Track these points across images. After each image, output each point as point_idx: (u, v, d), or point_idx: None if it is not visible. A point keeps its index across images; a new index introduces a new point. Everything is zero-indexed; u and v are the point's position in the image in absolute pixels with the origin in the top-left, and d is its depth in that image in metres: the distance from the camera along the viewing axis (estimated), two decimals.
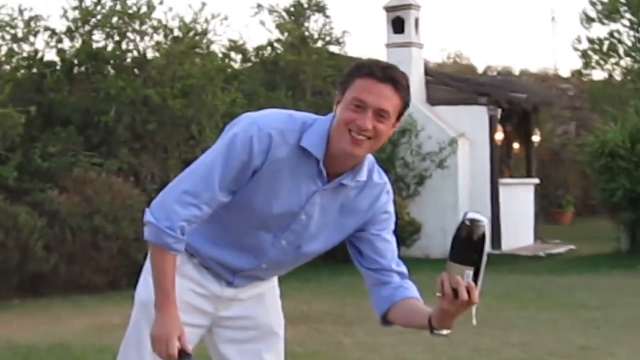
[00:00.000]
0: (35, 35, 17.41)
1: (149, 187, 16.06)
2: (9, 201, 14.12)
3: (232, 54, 19.86)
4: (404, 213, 17.05)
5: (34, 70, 17.45)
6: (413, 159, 19.36)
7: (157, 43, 17.67)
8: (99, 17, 17.41)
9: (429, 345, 9.43)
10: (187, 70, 17.06)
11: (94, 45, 17.57)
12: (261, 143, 3.43)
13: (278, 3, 20.18)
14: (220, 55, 19.07)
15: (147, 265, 3.75)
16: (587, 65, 31.47)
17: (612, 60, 30.83)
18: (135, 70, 17.51)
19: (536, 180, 23.04)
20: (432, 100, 19.76)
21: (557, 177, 29.62)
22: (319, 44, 19.81)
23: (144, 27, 17.56)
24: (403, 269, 3.71)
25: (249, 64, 20.07)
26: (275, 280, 3.98)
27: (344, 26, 35.86)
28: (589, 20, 30.71)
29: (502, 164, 21.86)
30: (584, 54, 31.16)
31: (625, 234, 19.53)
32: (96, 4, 17.42)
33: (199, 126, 16.88)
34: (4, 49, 17.20)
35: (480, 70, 39.30)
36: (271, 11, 20.00)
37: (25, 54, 17.49)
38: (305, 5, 19.87)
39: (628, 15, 29.97)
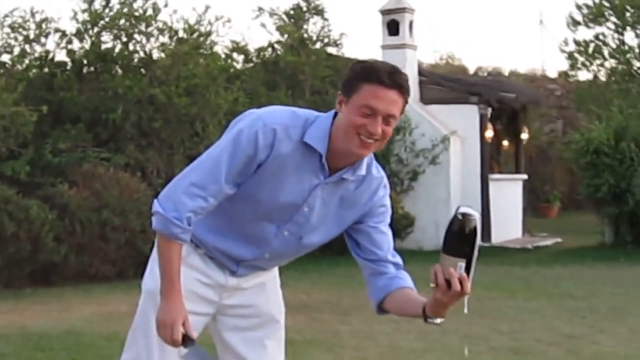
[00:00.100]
0: (46, 36, 17.40)
1: (155, 181, 16.06)
2: (22, 195, 14.13)
3: (235, 55, 19.86)
4: (398, 207, 17.07)
5: (45, 70, 17.44)
6: (407, 155, 19.36)
7: (163, 44, 17.66)
8: (107, 19, 17.40)
9: (422, 333, 9.43)
10: (192, 70, 17.05)
11: (103, 46, 17.56)
12: (266, 138, 3.43)
13: (278, 6, 20.21)
14: (223, 55, 19.06)
15: (154, 255, 3.76)
16: (573, 66, 31.47)
17: (597, 61, 30.83)
18: (142, 70, 17.50)
19: (524, 176, 23.05)
20: (426, 99, 19.76)
21: (544, 173, 29.65)
22: (318, 45, 19.80)
23: (150, 29, 17.56)
24: (398, 259, 3.73)
25: (251, 65, 20.06)
26: (276, 270, 3.99)
27: (342, 28, 35.90)
28: (575, 23, 30.70)
29: (492, 161, 21.87)
30: (571, 56, 31.15)
31: (609, 227, 19.55)
32: (104, 7, 17.41)
33: (203, 123, 16.88)
34: (17, 50, 17.20)
35: (471, 70, 39.30)
36: (272, 14, 20.00)
37: (36, 55, 17.49)
38: (305, 9, 19.85)
39: (613, 18, 29.98)
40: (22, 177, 14.83)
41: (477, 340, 9.16)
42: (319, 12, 19.89)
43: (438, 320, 3.39)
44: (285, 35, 19.71)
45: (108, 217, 14.37)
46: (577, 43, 30.79)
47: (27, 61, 17.39)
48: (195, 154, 15.48)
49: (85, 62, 17.61)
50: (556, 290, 13.25)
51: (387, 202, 3.75)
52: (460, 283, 3.10)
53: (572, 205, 29.02)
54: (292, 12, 19.86)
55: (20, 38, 17.12)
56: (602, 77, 31.18)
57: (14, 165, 14.91)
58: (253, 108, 3.68)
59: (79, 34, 17.52)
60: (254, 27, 24.88)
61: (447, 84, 21.15)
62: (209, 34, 17.88)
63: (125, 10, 17.35)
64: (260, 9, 20.03)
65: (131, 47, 17.67)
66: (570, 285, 13.79)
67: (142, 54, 17.78)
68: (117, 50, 17.57)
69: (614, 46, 30.31)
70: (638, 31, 29.91)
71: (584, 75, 31.83)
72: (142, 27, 17.50)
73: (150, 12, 17.42)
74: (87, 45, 17.54)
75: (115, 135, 16.68)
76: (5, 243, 13.69)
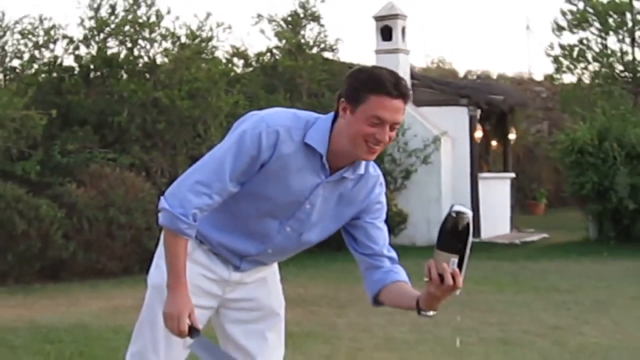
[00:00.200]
0: (54, 42, 17.41)
1: (159, 181, 16.07)
2: (32, 194, 14.13)
3: (235, 60, 19.85)
4: (391, 205, 17.05)
5: (54, 74, 17.43)
6: (400, 155, 19.36)
7: (166, 49, 17.66)
8: (112, 26, 17.42)
9: (415, 325, 9.44)
10: (194, 74, 17.05)
11: (108, 52, 17.58)
12: (269, 139, 3.44)
13: (277, 13, 20.13)
14: (223, 60, 19.05)
15: (159, 251, 3.78)
16: (558, 69, 31.50)
17: (581, 65, 30.86)
18: (146, 75, 17.49)
19: (512, 175, 23.07)
20: (418, 101, 19.74)
21: (531, 172, 29.66)
22: (314, 50, 19.79)
23: (153, 35, 17.55)
24: (393, 254, 3.74)
25: (250, 69, 20.05)
26: (275, 265, 4.00)
27: (337, 34, 35.83)
28: (560, 28, 30.74)
29: (481, 160, 21.88)
30: (556, 60, 31.19)
31: (593, 224, 19.56)
32: (110, 14, 17.43)
33: (205, 125, 16.87)
34: (27, 55, 17.21)
35: (461, 74, 39.35)
36: (270, 20, 19.97)
37: (45, 60, 17.49)
38: (302, 15, 19.84)
39: (596, 24, 30.02)
40: (32, 177, 14.83)
41: (467, 331, 9.17)
42: (315, 18, 19.88)
43: (431, 313, 3.40)
44: (283, 41, 19.70)
45: (114, 215, 14.37)
46: (562, 47, 30.84)
47: (36, 66, 17.41)
48: (197, 155, 15.55)
49: (92, 67, 17.62)
50: (543, 283, 13.26)
51: (383, 199, 3.77)
52: (453, 278, 3.12)
53: (557, 202, 29.04)
54: (289, 18, 19.85)
55: (30, 44, 17.13)
56: (586, 79, 31.21)
57: (24, 165, 14.92)
58: (253, 110, 3.68)
59: (86, 40, 17.53)
60: (254, 33, 24.97)
61: (438, 86, 21.17)
62: (210, 39, 17.88)
63: (130, 17, 17.36)
64: (259, 15, 20.03)
65: (136, 52, 17.67)
66: (556, 279, 13.80)
67: (146, 59, 17.79)
68: (122, 55, 17.58)
69: (597, 50, 30.35)
70: (620, 36, 29.95)
71: (568, 78, 31.88)
72: (146, 34, 17.50)
73: (153, 19, 17.44)
74: (93, 51, 17.56)
75: (121, 136, 16.68)
76: (16, 240, 13.70)
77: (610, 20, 29.72)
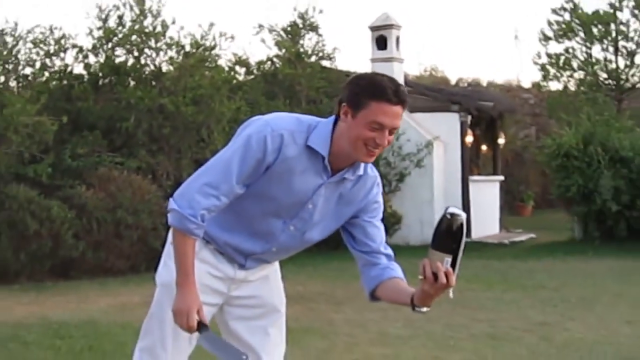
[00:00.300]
0: (65, 51, 17.40)
1: (165, 183, 16.08)
2: (43, 196, 14.15)
3: (237, 68, 19.84)
4: (386, 206, 16.84)
5: (64, 82, 17.41)
6: (394, 159, 19.36)
7: (171, 58, 17.65)
8: (120, 35, 17.42)
9: (408, 321, 9.45)
10: (197, 81, 17.05)
11: (116, 60, 17.58)
12: (274, 142, 3.45)
13: (277, 23, 20.10)
14: (226, 68, 19.05)
15: (167, 250, 3.78)
16: (545, 77, 31.52)
17: (567, 73, 30.89)
18: (152, 82, 17.48)
19: (501, 178, 23.06)
20: (411, 108, 19.70)
21: (519, 175, 29.64)
22: (313, 59, 19.78)
23: (159, 44, 17.55)
24: (390, 251, 3.76)
25: (252, 76, 20.04)
26: (277, 264, 4.00)
27: (335, 43, 35.72)
28: (547, 38, 30.77)
29: (471, 164, 21.87)
30: (543, 68, 31.21)
31: (578, 224, 19.57)
32: (118, 25, 17.43)
33: (208, 130, 16.87)
34: (38, 64, 17.20)
35: (453, 81, 39.32)
36: (271, 30, 19.97)
37: (56, 68, 17.48)
38: (301, 25, 19.83)
39: (581, 34, 30.05)
40: (44, 179, 14.82)
41: (458, 328, 9.18)
42: (313, 28, 19.88)
43: (424, 309, 3.41)
44: (283, 50, 19.70)
45: (122, 216, 14.38)
46: (548, 56, 30.86)
47: (47, 74, 17.40)
48: (201, 158, 15.59)
49: (100, 74, 17.62)
50: (530, 282, 13.27)
51: (380, 199, 3.79)
52: (446, 277, 3.14)
53: (544, 204, 29.03)
54: (289, 28, 19.84)
55: (42, 53, 17.11)
56: (572, 87, 31.23)
57: (36, 168, 14.91)
58: (254, 116, 3.69)
59: (95, 49, 17.53)
60: (255, 42, 24.95)
61: (430, 93, 21.18)
62: (213, 48, 17.88)
63: (136, 27, 17.36)
64: (260, 25, 20.04)
65: (142, 60, 17.67)
66: (543, 277, 13.81)
67: (152, 67, 17.78)
68: (129, 63, 17.58)
69: (582, 59, 30.38)
70: (604, 45, 29.98)
71: (555, 86, 31.90)
72: (152, 43, 17.50)
73: (159, 29, 17.43)
74: (102, 59, 17.56)
75: (128, 141, 16.67)
76: (28, 240, 13.71)
77: (595, 30, 29.75)
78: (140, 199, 14.73)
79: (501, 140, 23.73)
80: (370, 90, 3.39)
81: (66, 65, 17.52)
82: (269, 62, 20.02)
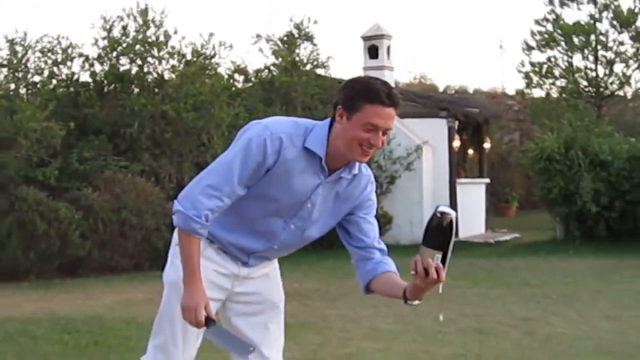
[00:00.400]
0: (71, 60, 17.40)
1: (167, 186, 16.09)
2: (52, 197, 14.16)
3: (236, 75, 19.84)
4: (377, 207, 16.94)
5: (71, 89, 17.42)
6: (385, 162, 19.37)
7: (173, 66, 17.66)
8: (124, 45, 17.42)
9: (398, 317, 9.45)
10: (198, 88, 17.05)
11: (121, 69, 17.58)
12: (273, 145, 3.45)
13: (274, 33, 20.14)
14: (225, 76, 19.06)
15: (173, 250, 3.78)
16: (529, 85, 31.63)
17: (550, 81, 31.00)
18: (155, 89, 17.48)
19: (487, 180, 23.08)
20: (401, 114, 19.68)
21: (504, 178, 29.68)
22: (308, 67, 19.79)
23: (161, 53, 17.56)
24: (383, 246, 3.76)
25: (250, 84, 20.04)
26: (276, 262, 4.00)
27: (329, 53, 35.72)
28: (530, 48, 30.87)
29: (459, 167, 21.88)
30: (526, 76, 31.31)
31: (560, 225, 19.58)
32: (122, 35, 17.43)
33: (208, 135, 16.87)
34: (46, 72, 17.20)
35: (441, 89, 39.38)
36: (268, 40, 19.98)
37: (63, 76, 17.48)
38: (296, 36, 19.84)
39: (563, 44, 30.11)
40: (52, 182, 14.82)
41: (446, 322, 9.18)
42: (309, 38, 19.89)
43: (416, 302, 3.43)
44: (280, 59, 19.71)
45: (126, 217, 14.38)
46: (532, 65, 30.97)
47: (55, 82, 17.39)
48: (202, 162, 15.61)
49: (105, 82, 17.62)
50: (515, 279, 13.27)
51: (374, 196, 3.80)
52: (437, 272, 3.15)
53: (528, 205, 29.07)
54: (285, 38, 19.85)
55: (49, 61, 17.11)
56: (554, 94, 31.34)
57: (44, 171, 14.91)
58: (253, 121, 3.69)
59: (100, 58, 17.54)
60: (253, 51, 24.97)
61: (420, 100, 21.19)
62: (213, 57, 17.89)
63: (140, 37, 17.36)
64: (258, 35, 20.05)
65: (145, 69, 17.67)
66: (526, 274, 13.81)
67: (155, 75, 17.78)
68: (133, 72, 17.59)
69: (564, 67, 30.49)
70: (585, 54, 30.06)
71: (538, 93, 32.02)
72: (155, 52, 17.51)
73: (162, 38, 17.45)
74: (107, 67, 17.55)
75: (133, 145, 16.67)
76: (37, 240, 13.71)
77: (576, 40, 29.83)
78: (144, 201, 14.73)
79: (487, 145, 23.75)
80: (365, 93, 3.40)
81: (73, 74, 17.53)
82: (267, 70, 20.03)
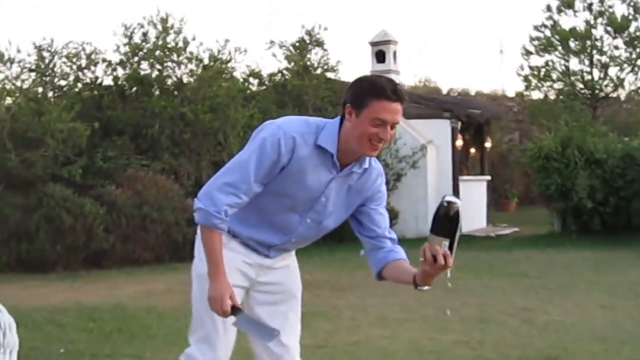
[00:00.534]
0: (95, 65, 17.43)
1: (186, 183, 16.11)
2: (77, 194, 14.21)
3: (250, 79, 19.85)
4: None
5: (95, 92, 17.45)
6: (392, 160, 19.35)
7: (191, 70, 17.68)
8: (144, 50, 17.45)
9: (404, 306, 9.47)
10: (215, 91, 17.06)
11: (142, 73, 17.60)
12: (287, 145, 3.45)
13: (286, 39, 20.16)
14: (240, 79, 19.06)
15: (199, 245, 3.76)
16: (527, 87, 31.61)
17: (547, 84, 30.97)
18: (174, 92, 17.51)
19: (488, 178, 23.06)
20: (407, 115, 19.66)
21: (504, 175, 29.63)
22: (319, 71, 19.78)
23: (180, 58, 17.57)
24: (394, 236, 3.77)
25: (264, 87, 20.05)
26: (294, 254, 4.00)
27: (338, 57, 35.72)
28: (528, 53, 30.86)
29: (461, 165, 21.87)
30: (526, 79, 31.29)
31: (557, 219, 19.54)
32: (142, 41, 17.46)
33: (225, 135, 16.88)
34: (72, 76, 17.24)
35: (444, 91, 39.35)
36: (281, 46, 19.97)
37: (88, 80, 17.51)
38: (308, 41, 19.83)
39: (560, 48, 30.07)
40: (78, 179, 14.87)
41: (450, 311, 9.18)
42: (319, 44, 19.89)
43: (425, 288, 3.42)
44: (292, 63, 19.70)
45: (148, 212, 14.41)
46: (530, 68, 30.95)
47: (80, 85, 17.43)
48: (218, 160, 15.63)
49: (127, 86, 17.66)
50: (514, 270, 13.26)
51: (384, 188, 3.80)
52: (444, 258, 3.15)
53: (527, 201, 29.00)
54: (297, 44, 19.85)
55: (74, 67, 17.15)
56: (552, 96, 31.32)
57: (70, 170, 14.95)
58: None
59: (122, 63, 17.56)
60: (267, 56, 24.97)
61: (424, 102, 21.16)
62: (229, 61, 17.90)
63: (160, 43, 17.39)
64: (271, 41, 20.04)
65: (165, 73, 17.70)
66: (526, 266, 13.80)
67: (174, 78, 17.80)
68: (153, 75, 17.61)
69: (561, 71, 30.45)
70: (581, 58, 30.03)
71: (536, 95, 32.01)
72: (174, 57, 17.52)
73: (181, 44, 17.46)
74: (128, 71, 17.58)
75: (153, 145, 16.70)
76: (64, 234, 13.76)
77: (572, 45, 29.80)
78: (164, 197, 14.76)
79: (488, 144, 23.73)
80: (371, 90, 3.40)
81: (97, 78, 17.56)
82: (279, 74, 20.03)
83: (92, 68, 17.42)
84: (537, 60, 31.00)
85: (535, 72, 30.88)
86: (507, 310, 9.36)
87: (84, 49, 17.12)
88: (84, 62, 17.20)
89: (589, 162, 18.61)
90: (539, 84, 31.13)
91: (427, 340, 7.70)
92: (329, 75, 20.00)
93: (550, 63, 30.54)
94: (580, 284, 11.56)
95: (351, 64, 59.24)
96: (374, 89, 3.40)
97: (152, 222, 14.42)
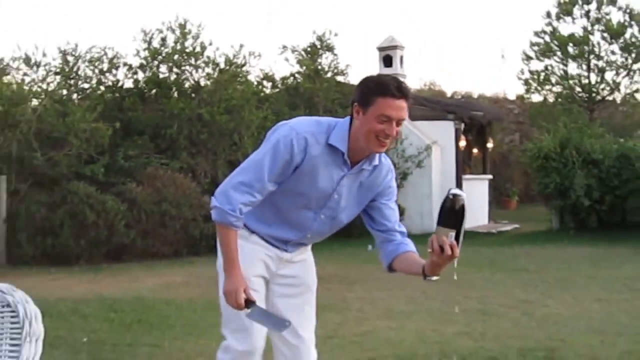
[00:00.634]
0: (116, 68, 17.50)
1: (203, 181, 16.13)
2: (100, 191, 14.23)
3: (264, 82, 19.85)
4: None
5: (116, 95, 17.51)
6: (398, 160, 19.33)
7: (208, 74, 17.71)
8: (163, 54, 17.48)
9: (410, 298, 9.46)
10: (230, 94, 17.08)
11: (161, 76, 17.64)
12: (299, 145, 3.44)
13: (298, 44, 20.12)
14: (255, 82, 19.07)
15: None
16: (528, 91, 31.60)
17: (547, 87, 30.96)
18: (192, 95, 17.54)
19: (490, 177, 23.02)
20: (413, 116, 19.71)
21: (505, 174, 29.56)
22: (329, 75, 19.77)
23: (197, 62, 17.61)
24: (403, 229, 3.74)
25: (277, 90, 20.05)
26: (310, 249, 3.98)
27: (347, 61, 35.67)
28: (528, 58, 30.84)
29: (464, 164, 21.84)
30: (526, 82, 31.28)
31: (555, 216, 19.50)
32: (161, 45, 17.49)
33: (239, 135, 16.90)
34: (95, 80, 17.29)
35: (448, 94, 39.28)
36: (293, 50, 19.97)
37: (109, 83, 17.56)
38: (319, 46, 19.82)
39: (559, 53, 30.05)
40: (100, 177, 14.91)
41: (453, 303, 9.17)
42: (330, 49, 19.88)
43: (434, 278, 3.40)
44: (304, 67, 19.71)
45: (166, 209, 14.43)
46: (530, 72, 30.94)
47: (102, 88, 17.48)
48: (234, 160, 15.64)
49: (147, 88, 17.69)
50: (514, 265, 13.24)
51: (394, 183, 3.76)
52: (451, 248, 3.13)
53: (527, 199, 28.94)
54: (309, 49, 19.85)
55: (97, 70, 17.19)
56: (550, 99, 31.29)
57: (93, 168, 15.00)
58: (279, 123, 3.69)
59: (142, 67, 17.61)
60: (279, 60, 24.93)
61: (429, 104, 21.14)
62: (243, 65, 17.92)
63: (178, 47, 17.42)
64: (284, 46, 20.04)
65: (183, 76, 17.73)
66: (525, 261, 13.78)
67: (192, 81, 17.83)
68: (172, 78, 17.64)
69: (559, 75, 30.41)
70: (578, 63, 29.99)
71: (536, 98, 31.99)
72: (192, 61, 17.56)
73: (198, 49, 17.48)
74: (148, 75, 17.62)
75: (172, 145, 16.73)
76: (87, 229, 13.79)
77: (571, 50, 29.77)
78: (182, 194, 14.78)
79: (490, 145, 23.69)
80: (376, 88, 3.39)
81: (118, 81, 17.63)
82: (292, 78, 20.03)
83: (114, 71, 17.52)
84: (536, 65, 31.01)
85: (535, 76, 30.87)
86: (508, 303, 9.34)
87: (106, 54, 17.19)
88: (105, 66, 17.27)
89: (586, 162, 18.58)
90: (539, 88, 31.11)
91: (432, 332, 7.69)
92: (339, 78, 20.00)
93: (549, 67, 30.53)
94: (578, 278, 11.54)
95: (360, 68, 59.18)
96: (379, 87, 3.39)
97: (171, 218, 14.45)
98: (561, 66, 30.39)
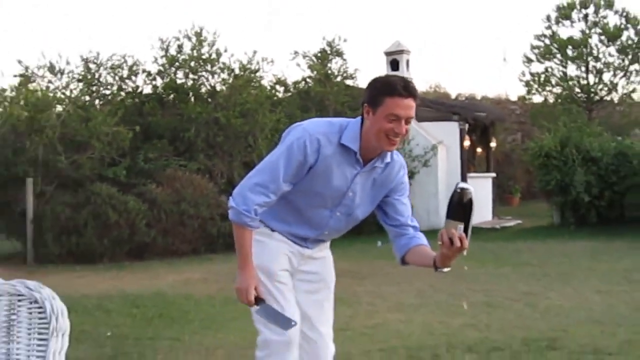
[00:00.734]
0: (136, 75, 17.54)
1: (219, 181, 16.15)
2: (122, 192, 14.27)
3: (277, 86, 19.87)
4: None
5: (136, 100, 17.55)
6: (406, 160, 19.26)
7: (223, 79, 17.73)
8: (180, 61, 17.51)
9: (419, 292, 9.46)
10: (245, 98, 17.10)
11: (178, 82, 17.67)
12: (312, 145, 3.43)
13: (309, 50, 20.14)
14: (268, 87, 19.10)
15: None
16: (529, 92, 31.57)
17: (547, 88, 30.89)
18: (208, 99, 17.56)
19: (493, 175, 22.97)
20: (419, 118, 19.63)
21: (508, 172, 29.50)
22: (339, 79, 19.77)
23: (213, 68, 17.62)
24: (416, 224, 3.75)
25: (289, 94, 20.06)
26: (328, 246, 3.96)
27: (356, 66, 35.68)
28: (529, 60, 30.79)
29: (469, 163, 21.81)
30: (527, 84, 31.24)
31: (556, 212, 19.46)
32: (178, 53, 17.52)
33: (254, 138, 16.92)
34: (115, 86, 17.34)
35: (453, 96, 39.21)
36: (304, 56, 19.98)
37: (129, 89, 17.61)
38: (329, 52, 19.82)
39: (558, 55, 30.00)
40: (122, 179, 14.95)
41: (459, 296, 9.17)
42: (339, 54, 19.88)
43: (445, 270, 3.39)
44: (315, 72, 19.72)
45: (185, 208, 14.46)
46: (531, 74, 30.89)
47: (122, 94, 17.52)
48: (249, 161, 15.66)
49: (165, 94, 17.73)
50: (517, 259, 13.22)
51: (406, 179, 3.75)
52: (460, 240, 3.12)
53: (529, 195, 28.88)
54: (319, 54, 19.85)
55: (117, 77, 17.24)
56: (551, 100, 31.24)
57: (115, 170, 15.04)
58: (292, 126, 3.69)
59: (160, 73, 17.64)
60: (291, 65, 25.03)
61: (435, 106, 21.13)
62: (257, 71, 17.92)
63: (194, 54, 17.45)
64: (295, 52, 20.06)
65: (199, 81, 17.76)
66: (528, 255, 13.75)
67: (208, 87, 17.86)
68: (189, 84, 17.67)
69: (559, 76, 30.35)
70: (577, 65, 29.92)
71: (537, 99, 31.95)
72: (208, 67, 17.58)
73: (214, 55, 17.51)
74: (166, 80, 17.66)
75: (190, 147, 16.76)
76: (110, 228, 13.83)
77: (570, 53, 29.71)
78: (200, 194, 14.80)
79: (493, 144, 23.64)
80: (384, 89, 3.38)
81: (137, 87, 17.67)
82: (303, 82, 20.04)
83: (133, 78, 17.56)
84: (537, 67, 30.97)
85: (536, 78, 30.83)
86: (512, 296, 9.33)
87: (125, 61, 17.24)
88: (125, 73, 17.32)
89: (586, 160, 18.53)
90: (539, 89, 31.07)
91: (439, 324, 7.69)
92: (348, 82, 19.99)
93: (549, 69, 30.49)
94: (578, 271, 11.51)
95: (368, 72, 59.16)
96: (387, 88, 3.38)
97: (189, 218, 14.47)
98: (561, 68, 30.35)
